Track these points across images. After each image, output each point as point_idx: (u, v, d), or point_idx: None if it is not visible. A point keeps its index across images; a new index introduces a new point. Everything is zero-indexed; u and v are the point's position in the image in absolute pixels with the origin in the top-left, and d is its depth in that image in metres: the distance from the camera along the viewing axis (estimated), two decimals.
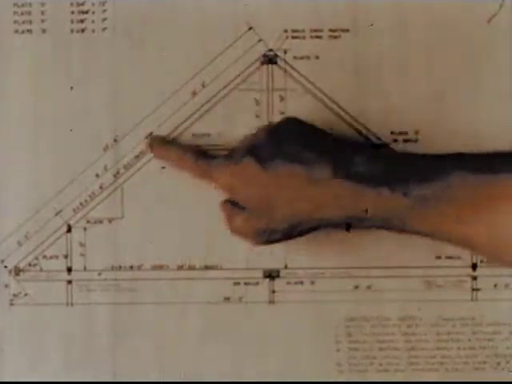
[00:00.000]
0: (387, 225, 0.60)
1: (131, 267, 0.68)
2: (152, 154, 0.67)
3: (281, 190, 0.60)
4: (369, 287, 0.67)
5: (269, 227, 0.61)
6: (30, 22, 0.67)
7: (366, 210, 0.59)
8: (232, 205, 0.63)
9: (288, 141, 0.61)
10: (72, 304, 0.68)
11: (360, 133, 0.67)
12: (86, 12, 0.67)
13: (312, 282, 0.67)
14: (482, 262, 0.67)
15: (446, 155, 0.62)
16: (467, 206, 0.58)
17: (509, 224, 0.57)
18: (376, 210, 0.59)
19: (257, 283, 0.68)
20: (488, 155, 0.62)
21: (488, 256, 0.64)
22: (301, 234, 0.62)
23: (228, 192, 0.63)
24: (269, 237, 0.62)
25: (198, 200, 0.67)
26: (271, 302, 0.68)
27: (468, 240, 0.59)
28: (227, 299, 0.68)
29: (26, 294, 0.68)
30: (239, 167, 0.61)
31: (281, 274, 0.68)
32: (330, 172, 0.59)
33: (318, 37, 0.67)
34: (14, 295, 0.68)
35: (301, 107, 0.67)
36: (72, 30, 0.68)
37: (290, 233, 0.62)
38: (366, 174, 0.60)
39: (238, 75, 0.67)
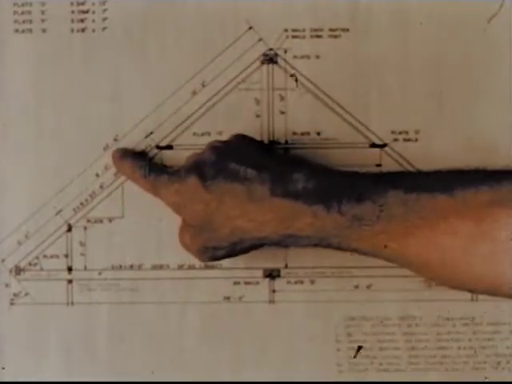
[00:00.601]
0: (324, 243, 0.60)
1: (131, 267, 0.68)
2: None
3: (222, 208, 0.60)
4: (369, 287, 0.67)
5: (212, 244, 0.62)
6: (30, 22, 0.67)
7: (304, 229, 0.59)
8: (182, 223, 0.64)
9: (231, 159, 0.61)
10: (72, 303, 0.68)
11: (360, 132, 0.67)
12: (87, 11, 0.67)
13: (312, 282, 0.67)
14: None
15: (384, 174, 0.63)
16: (401, 225, 0.57)
17: (447, 243, 0.56)
18: (312, 229, 0.59)
19: (257, 283, 0.68)
20: (426, 173, 0.61)
21: (426, 276, 0.63)
22: (243, 251, 0.62)
23: (174, 209, 0.63)
24: (213, 254, 0.63)
25: None
26: (271, 301, 0.68)
27: (406, 260, 0.58)
28: (227, 299, 0.68)
29: (26, 294, 0.68)
30: (183, 185, 0.61)
31: (281, 274, 0.68)
32: (268, 190, 0.59)
33: (318, 36, 0.67)
34: (15, 295, 0.68)
35: (301, 107, 0.67)
36: (72, 30, 0.68)
37: (233, 250, 0.62)
38: (303, 192, 0.59)
39: (238, 75, 0.67)
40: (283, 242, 0.60)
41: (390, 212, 0.57)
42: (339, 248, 0.60)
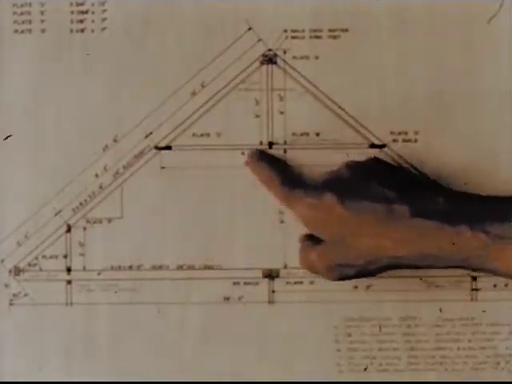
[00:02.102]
0: (465, 264, 0.60)
1: (131, 267, 0.68)
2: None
3: (360, 227, 0.61)
4: (368, 287, 0.67)
5: (344, 262, 0.62)
6: (30, 22, 0.67)
7: (446, 249, 0.60)
8: (308, 240, 0.64)
9: (370, 180, 0.62)
10: (72, 304, 0.68)
11: (359, 133, 0.67)
12: (86, 12, 0.67)
13: (311, 282, 0.67)
14: None
15: None
16: None
17: None
18: (454, 248, 0.59)
19: (256, 283, 0.68)
20: None
21: None
22: (376, 271, 0.62)
23: (305, 223, 0.64)
24: (343, 272, 0.62)
25: (197, 200, 0.67)
26: (271, 301, 0.68)
27: None
28: (227, 299, 0.68)
29: (25, 294, 0.68)
30: (320, 201, 0.62)
31: (280, 274, 0.67)
32: (408, 210, 0.60)
33: (317, 37, 0.67)
34: (14, 295, 0.68)
35: (300, 107, 0.67)
36: (72, 30, 0.68)
37: (364, 270, 0.62)
38: (445, 213, 0.60)
39: (238, 75, 0.67)
40: (420, 262, 0.61)
41: None
42: (478, 269, 0.60)
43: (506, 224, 0.58)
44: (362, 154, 0.66)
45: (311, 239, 0.64)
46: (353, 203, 0.61)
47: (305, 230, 0.64)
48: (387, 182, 0.62)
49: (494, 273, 0.60)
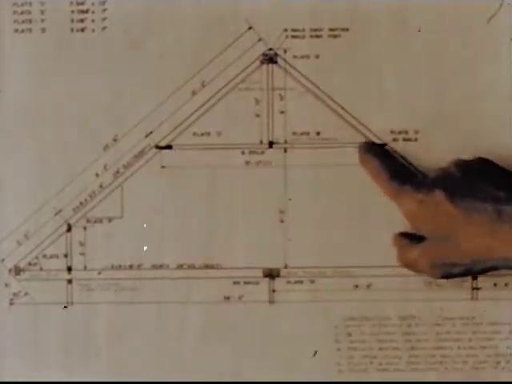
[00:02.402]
0: None
1: (131, 266, 0.68)
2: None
3: (469, 226, 0.61)
4: (369, 286, 0.67)
5: (450, 260, 0.62)
6: (30, 22, 0.67)
7: None
8: (405, 238, 0.65)
9: (480, 179, 0.62)
10: (72, 303, 0.68)
11: (360, 132, 0.67)
12: (86, 11, 0.68)
13: (312, 282, 0.67)
14: None
15: None
16: None
17: None
18: None
19: (257, 282, 0.67)
20: None
21: None
22: (482, 271, 0.63)
23: (411, 219, 0.64)
24: (448, 270, 0.63)
25: (198, 199, 0.67)
26: (271, 301, 0.68)
27: None
28: (227, 298, 0.68)
29: (26, 294, 0.68)
30: (429, 197, 0.62)
31: (281, 274, 0.67)
32: None
33: (317, 36, 0.67)
34: (14, 294, 0.68)
35: (301, 107, 0.67)
36: (72, 30, 0.68)
37: (471, 269, 0.62)
38: None
39: (238, 74, 0.67)
40: None
41: None
42: None
43: None
44: None
45: (407, 237, 0.65)
46: (463, 201, 0.61)
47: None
48: (496, 183, 0.62)
49: None
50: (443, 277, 0.63)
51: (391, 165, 0.66)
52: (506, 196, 0.61)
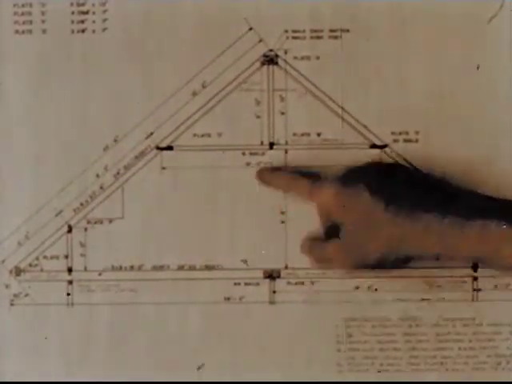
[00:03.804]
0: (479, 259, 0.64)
1: (131, 267, 0.68)
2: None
3: (386, 213, 0.62)
4: (369, 288, 0.67)
5: (366, 249, 0.63)
6: (31, 23, 0.67)
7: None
8: (314, 240, 0.66)
9: (396, 180, 0.64)
10: (72, 304, 0.68)
11: (360, 133, 0.67)
12: (87, 12, 0.67)
13: (312, 283, 0.67)
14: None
15: None
16: None
17: None
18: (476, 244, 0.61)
19: (257, 283, 0.68)
20: None
21: None
22: (393, 262, 0.64)
23: (326, 211, 0.65)
24: (363, 259, 0.64)
25: (198, 200, 0.67)
26: (272, 302, 0.68)
27: None
28: (227, 299, 0.68)
29: (26, 295, 0.68)
30: (350, 190, 0.63)
31: (281, 275, 0.68)
32: (434, 210, 0.61)
33: (318, 37, 0.67)
34: (15, 295, 0.68)
35: (301, 108, 0.67)
36: (72, 31, 0.68)
37: (386, 258, 0.63)
38: (467, 210, 0.61)
39: (239, 75, 0.67)
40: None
41: None
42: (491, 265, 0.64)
43: None
44: (363, 155, 0.67)
45: (316, 239, 0.66)
46: (382, 199, 0.62)
47: (310, 229, 0.65)
48: (413, 185, 0.63)
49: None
50: (359, 267, 0.64)
51: (295, 171, 0.67)
52: (421, 195, 0.62)
